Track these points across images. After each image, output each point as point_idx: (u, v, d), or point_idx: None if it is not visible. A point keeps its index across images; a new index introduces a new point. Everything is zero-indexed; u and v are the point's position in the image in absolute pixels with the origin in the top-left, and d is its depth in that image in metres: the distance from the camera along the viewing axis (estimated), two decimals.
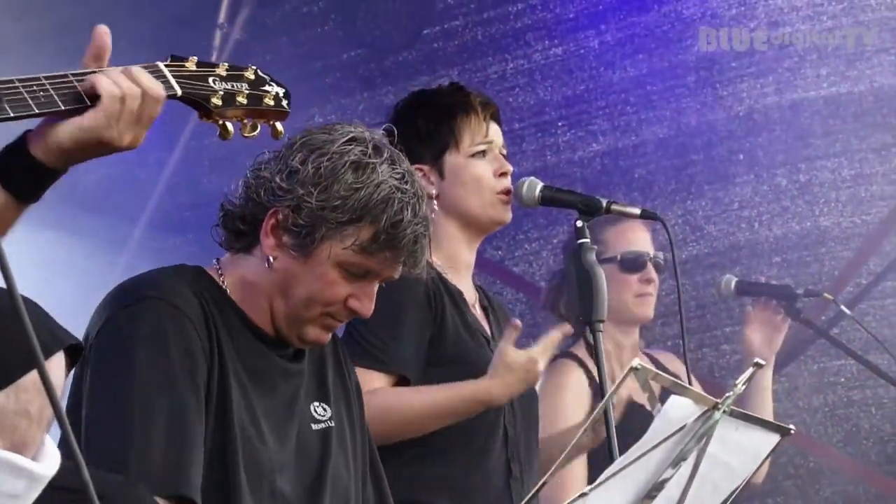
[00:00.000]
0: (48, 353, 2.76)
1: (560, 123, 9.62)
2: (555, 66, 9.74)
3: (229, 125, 3.51)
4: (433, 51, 9.85)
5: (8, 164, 3.31)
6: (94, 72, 3.30)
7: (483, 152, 5.44)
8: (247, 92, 3.55)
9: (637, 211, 5.60)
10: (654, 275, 6.77)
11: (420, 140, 5.38)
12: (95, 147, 3.28)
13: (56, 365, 2.82)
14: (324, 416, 4.33)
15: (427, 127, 5.47)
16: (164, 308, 4.04)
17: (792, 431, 3.86)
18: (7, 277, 2.39)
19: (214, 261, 4.33)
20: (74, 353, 2.89)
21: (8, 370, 2.74)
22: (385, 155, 4.13)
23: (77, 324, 3.75)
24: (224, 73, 3.55)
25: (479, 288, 5.71)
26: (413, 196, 4.11)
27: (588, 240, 5.03)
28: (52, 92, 3.22)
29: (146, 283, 4.20)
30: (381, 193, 4.07)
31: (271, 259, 4.14)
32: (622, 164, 9.56)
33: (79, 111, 3.23)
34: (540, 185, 5.25)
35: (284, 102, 3.64)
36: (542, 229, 9.24)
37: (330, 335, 4.28)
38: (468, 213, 5.45)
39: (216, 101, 3.49)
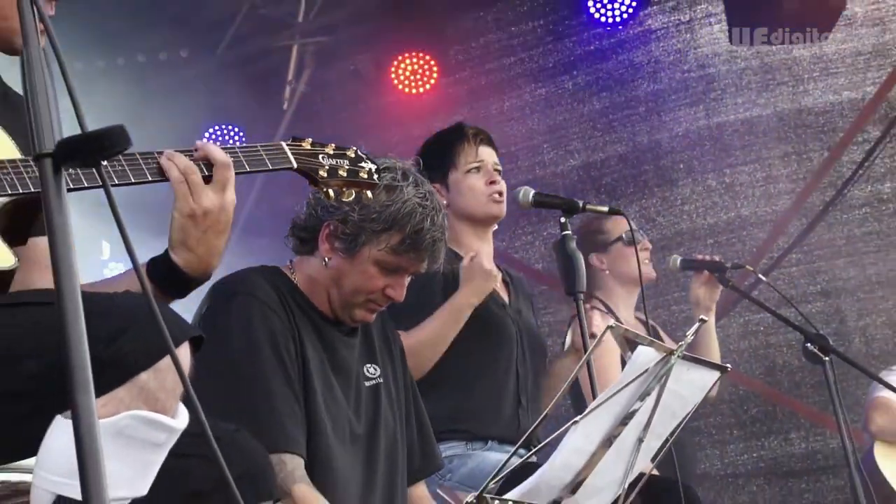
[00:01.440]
0: (178, 343, 2.91)
1: (545, 145, 10.12)
2: (540, 103, 10.29)
3: (331, 191, 3.52)
4: (448, 94, 10.31)
5: (157, 272, 3.30)
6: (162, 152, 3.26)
7: (477, 168, 5.65)
8: (347, 167, 3.54)
9: (605, 209, 5.74)
10: (648, 244, 6.77)
11: (433, 166, 5.43)
12: (190, 222, 3.24)
13: (184, 352, 2.96)
14: (374, 374, 4.45)
15: (435, 156, 5.65)
16: (251, 301, 4.15)
17: (728, 369, 3.97)
18: (143, 285, 2.50)
19: (288, 261, 4.48)
20: (198, 341, 3.03)
21: (149, 356, 2.84)
22: (411, 179, 4.27)
23: (189, 311, 4.08)
24: (331, 152, 3.56)
25: (500, 268, 5.71)
26: (432, 210, 4.27)
27: (570, 232, 5.10)
28: (142, 166, 3.21)
29: (237, 280, 4.28)
30: (407, 208, 4.21)
31: (326, 260, 4.30)
32: (593, 174, 10.07)
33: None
34: (532, 192, 5.34)
35: (375, 176, 3.60)
36: (534, 225, 9.62)
37: (374, 315, 4.40)
38: (470, 214, 5.65)
39: (322, 173, 3.49)
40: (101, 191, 2.41)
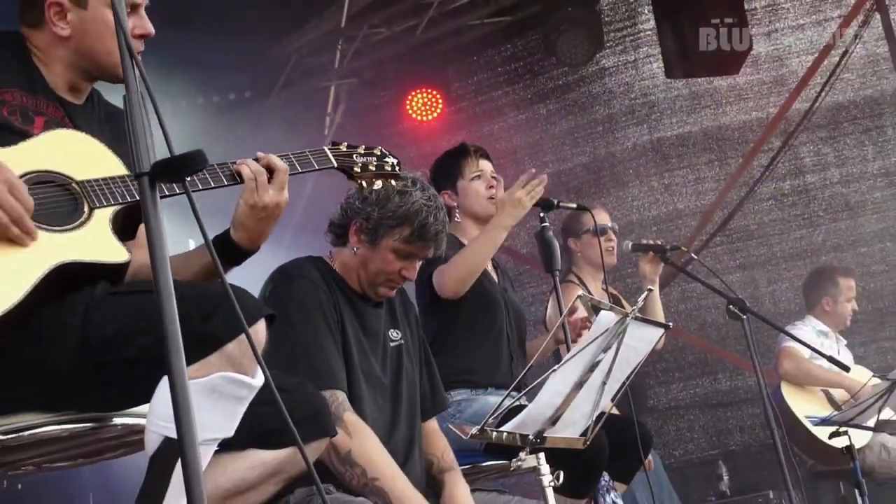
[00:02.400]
0: (254, 319, 2.94)
1: (526, 158, 9.93)
2: (521, 126, 10.27)
3: (364, 182, 3.50)
4: (451, 121, 10.19)
5: (221, 247, 3.28)
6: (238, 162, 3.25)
7: (478, 177, 5.53)
8: (375, 163, 3.52)
9: (574, 205, 5.62)
10: (614, 238, 6.56)
11: (444, 177, 5.55)
12: (252, 211, 3.24)
13: (261, 326, 2.98)
14: (396, 337, 4.37)
15: (446, 168, 5.62)
16: (305, 283, 4.13)
17: (670, 326, 4.02)
18: (219, 274, 2.53)
19: (328, 252, 4.38)
20: (270, 318, 3.03)
21: (234, 331, 2.85)
22: (418, 185, 4.20)
23: (256, 290, 3.98)
24: (362, 151, 3.53)
25: (493, 259, 5.56)
26: (435, 209, 4.20)
27: (547, 224, 4.99)
28: (219, 173, 3.21)
29: (293, 267, 4.24)
30: (414, 208, 4.15)
31: (355, 250, 4.21)
32: (563, 179, 9.97)
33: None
34: None
35: (397, 168, 3.57)
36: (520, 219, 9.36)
37: (394, 291, 4.33)
38: (475, 213, 5.51)
39: (357, 169, 3.47)
40: (185, 198, 2.44)
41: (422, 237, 4.17)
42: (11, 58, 3.19)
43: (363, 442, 3.87)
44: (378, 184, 3.58)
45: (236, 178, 3.20)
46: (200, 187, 3.12)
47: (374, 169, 3.53)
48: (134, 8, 3.23)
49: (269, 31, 9.05)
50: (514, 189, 5.10)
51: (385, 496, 3.84)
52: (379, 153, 3.58)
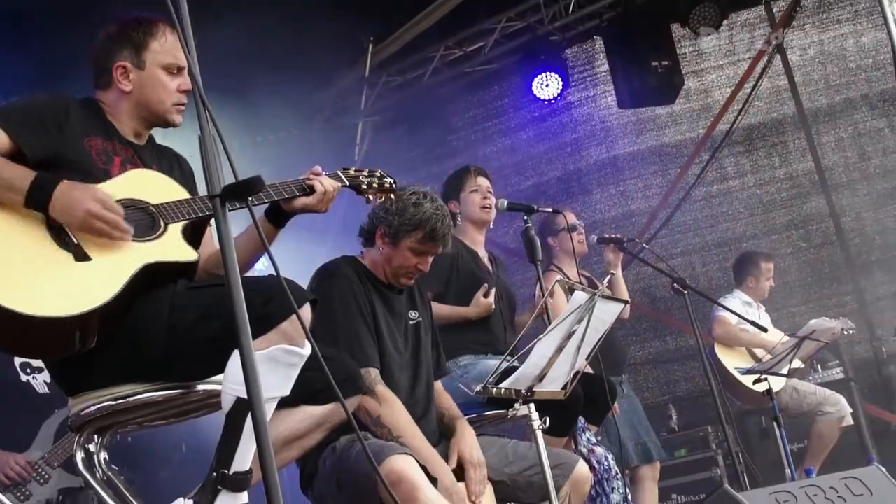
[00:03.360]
0: (303, 303, 2.97)
1: (512, 174, 10.01)
2: (507, 149, 10.15)
3: (369, 196, 3.56)
4: (453, 147, 10.24)
5: (273, 213, 3.38)
6: (311, 178, 3.36)
7: (475, 191, 5.49)
8: (376, 182, 3.58)
9: (550, 209, 5.64)
10: (583, 233, 6.46)
11: (451, 190, 5.53)
12: (302, 211, 3.34)
13: (307, 309, 2.99)
14: (415, 317, 4.31)
15: (452, 183, 5.57)
16: (342, 280, 4.07)
17: (629, 301, 4.33)
18: (274, 265, 2.54)
19: (360, 251, 4.32)
20: (314, 303, 3.05)
21: (288, 311, 2.88)
22: (429, 198, 4.15)
23: (304, 283, 3.95)
24: (366, 173, 3.60)
25: (490, 252, 5.60)
26: (442, 216, 4.14)
27: (530, 224, 4.88)
28: (292, 187, 3.33)
29: (333, 266, 4.17)
30: (426, 216, 4.11)
31: (381, 249, 4.17)
32: (541, 189, 9.91)
33: (305, 195, 3.34)
34: (506, 202, 5.21)
35: (394, 185, 3.64)
36: (508, 222, 8.97)
37: (412, 280, 4.26)
38: (473, 219, 5.47)
39: (364, 187, 3.55)
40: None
41: (432, 238, 4.14)
42: (93, 115, 3.30)
43: (390, 409, 3.86)
44: (382, 197, 3.63)
45: (306, 190, 3.31)
46: (285, 195, 3.29)
47: (376, 186, 3.59)
48: (179, 70, 3.33)
49: (310, 80, 9.01)
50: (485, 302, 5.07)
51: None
52: (379, 174, 3.64)
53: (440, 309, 4.95)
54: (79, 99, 3.31)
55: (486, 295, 5.13)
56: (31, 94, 3.23)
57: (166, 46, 3.32)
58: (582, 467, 4.32)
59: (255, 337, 2.34)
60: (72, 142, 3.14)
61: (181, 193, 3.23)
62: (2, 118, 3.05)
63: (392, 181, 3.66)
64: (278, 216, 3.38)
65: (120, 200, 3.03)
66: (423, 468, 3.59)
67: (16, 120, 3.07)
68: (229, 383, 2.90)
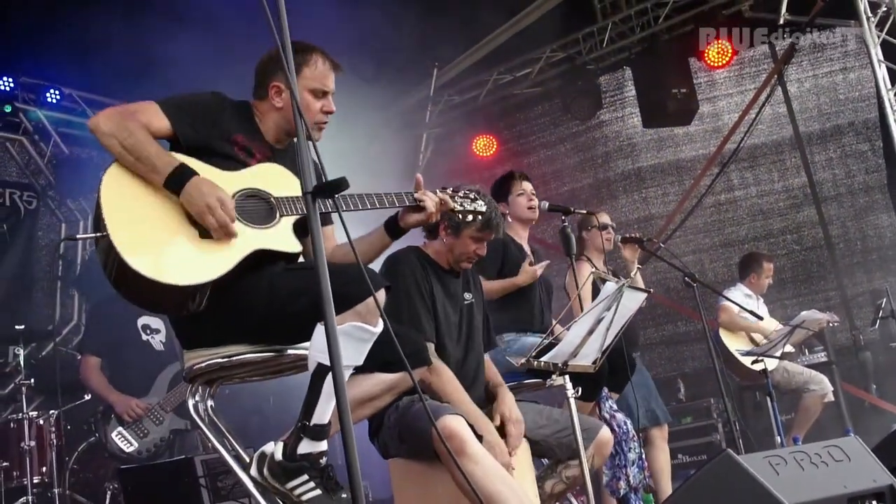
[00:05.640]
0: (379, 287, 2.91)
1: (552, 181, 9.95)
2: (547, 160, 10.08)
3: (458, 212, 3.53)
4: (503, 157, 9.93)
5: (392, 226, 3.34)
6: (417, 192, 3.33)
7: (521, 194, 5.37)
8: (469, 205, 3.56)
9: (584, 211, 5.53)
10: (612, 232, 6.10)
11: (499, 193, 5.36)
12: (416, 226, 3.35)
13: (381, 292, 2.94)
14: (469, 298, 4.23)
15: (501, 187, 5.42)
16: (407, 269, 4.00)
17: (651, 292, 4.04)
18: (356, 257, 2.47)
19: (422, 242, 4.22)
20: (387, 287, 3.01)
21: (363, 294, 2.86)
22: (482, 194, 3.85)
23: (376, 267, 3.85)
24: (462, 195, 3.57)
25: (532, 246, 5.49)
26: (495, 210, 4.00)
27: (567, 223, 4.66)
28: (394, 200, 3.27)
29: (400, 254, 4.08)
30: (484, 212, 3.84)
31: (444, 240, 4.09)
32: (576, 194, 9.81)
33: (415, 210, 3.32)
34: (547, 203, 5.00)
35: (481, 209, 3.61)
36: (549, 221, 8.64)
37: (470, 265, 4.17)
38: (519, 218, 5.37)
39: (458, 209, 3.52)
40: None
41: (488, 227, 4.04)
42: (244, 118, 3.30)
43: (442, 378, 3.79)
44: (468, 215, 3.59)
45: (415, 203, 3.29)
46: (386, 205, 3.22)
47: (468, 207, 3.59)
48: (324, 94, 3.31)
49: (385, 98, 8.92)
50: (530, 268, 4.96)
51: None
52: (472, 196, 3.62)
53: (493, 284, 4.89)
54: (236, 101, 3.32)
55: (530, 264, 5.06)
56: (197, 91, 3.25)
57: (316, 73, 3.30)
58: (605, 432, 4.29)
59: (335, 314, 2.30)
60: (220, 136, 3.15)
61: (299, 191, 3.08)
62: (170, 109, 3.08)
63: (482, 203, 3.64)
64: (395, 231, 3.36)
65: (244, 190, 3.07)
66: (471, 426, 3.54)
67: (179, 112, 3.09)
68: (314, 350, 2.88)
